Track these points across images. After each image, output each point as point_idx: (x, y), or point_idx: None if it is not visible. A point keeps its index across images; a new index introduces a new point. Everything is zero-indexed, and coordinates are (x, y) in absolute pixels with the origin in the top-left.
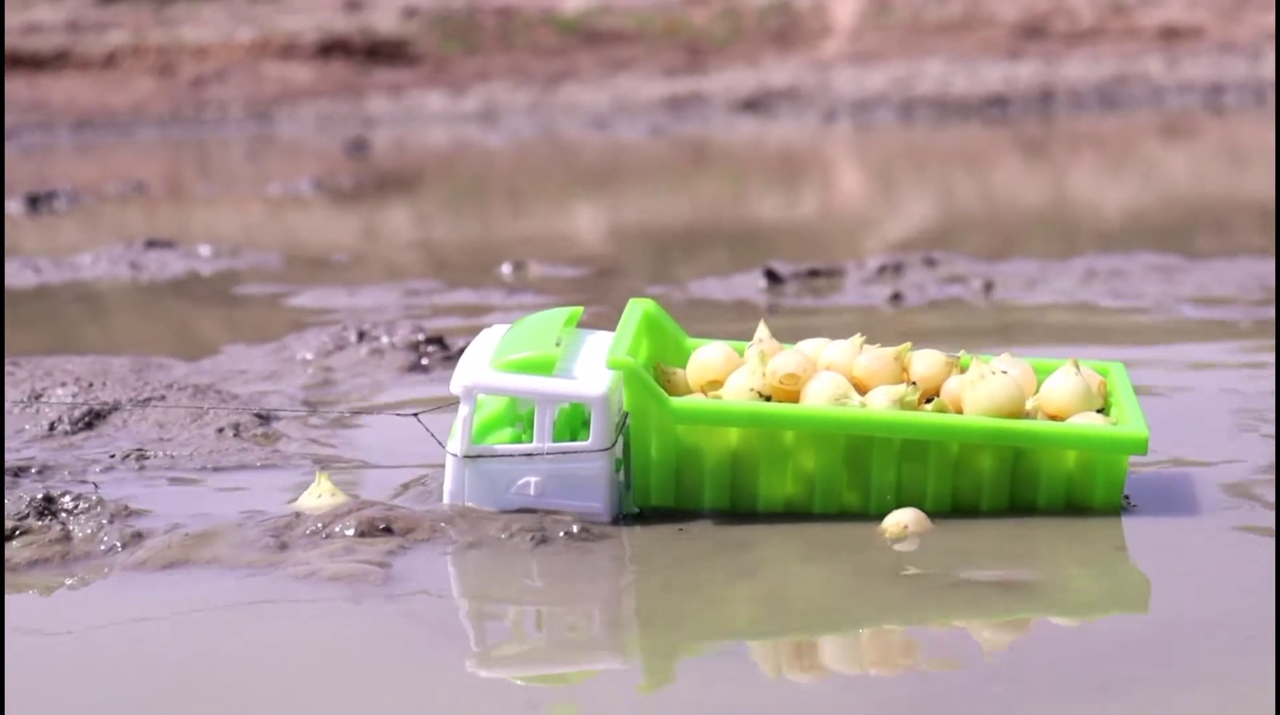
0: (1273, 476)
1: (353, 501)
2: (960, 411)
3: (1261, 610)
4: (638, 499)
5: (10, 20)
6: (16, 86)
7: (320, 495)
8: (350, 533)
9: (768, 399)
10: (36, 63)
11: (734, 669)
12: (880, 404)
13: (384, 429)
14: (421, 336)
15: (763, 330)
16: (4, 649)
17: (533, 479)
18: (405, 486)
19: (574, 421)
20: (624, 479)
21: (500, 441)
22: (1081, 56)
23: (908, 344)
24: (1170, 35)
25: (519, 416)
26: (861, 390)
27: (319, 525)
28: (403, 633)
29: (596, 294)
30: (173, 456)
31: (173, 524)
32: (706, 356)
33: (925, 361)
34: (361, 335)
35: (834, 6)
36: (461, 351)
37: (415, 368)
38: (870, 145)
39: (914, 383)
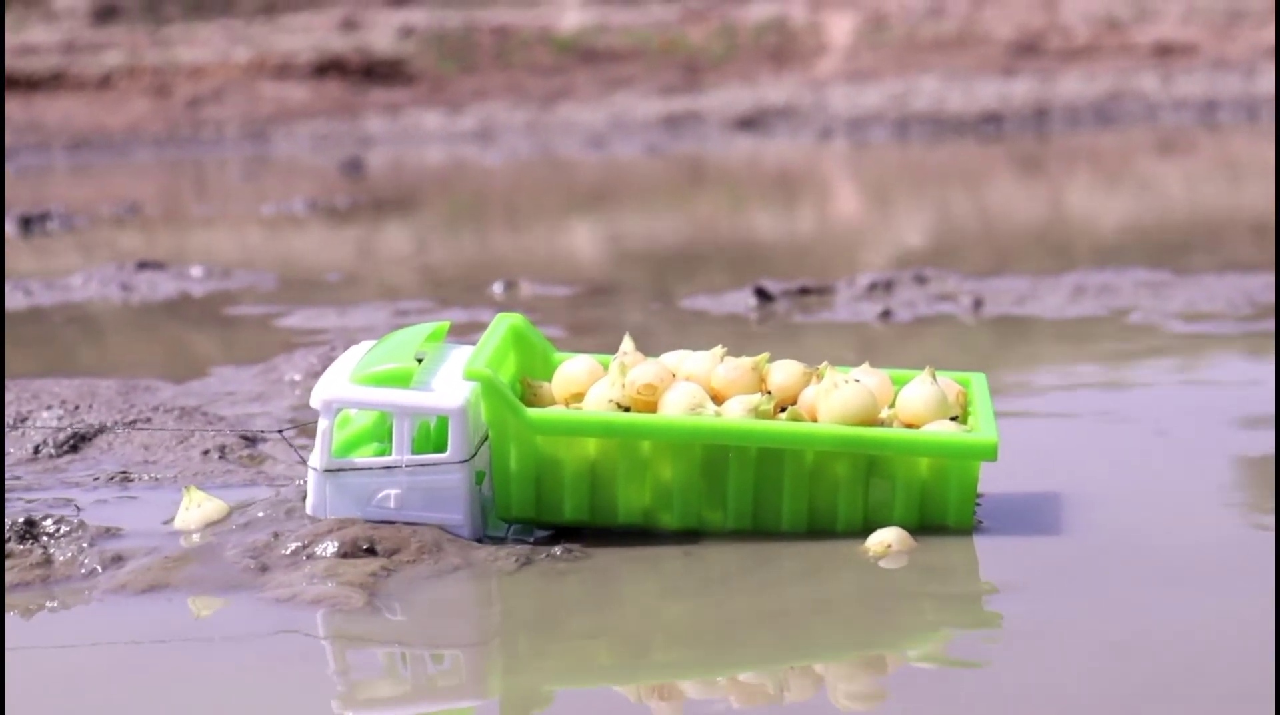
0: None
1: (333, 521)
2: (815, 420)
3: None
4: (499, 511)
5: (5, 41)
6: (12, 107)
7: (190, 507)
8: (331, 553)
9: (626, 410)
10: (32, 84)
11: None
12: (735, 413)
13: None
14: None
15: (627, 343)
16: (4, 663)
17: (393, 491)
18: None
19: (440, 437)
20: (488, 491)
21: (366, 455)
22: (1076, 73)
23: (766, 354)
24: (1165, 52)
25: (387, 431)
26: (719, 400)
27: (300, 545)
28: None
29: (587, 312)
30: (157, 479)
31: (152, 546)
32: (570, 369)
33: (783, 372)
34: None
35: (830, 24)
36: None
37: None
38: (865, 163)
39: (769, 392)
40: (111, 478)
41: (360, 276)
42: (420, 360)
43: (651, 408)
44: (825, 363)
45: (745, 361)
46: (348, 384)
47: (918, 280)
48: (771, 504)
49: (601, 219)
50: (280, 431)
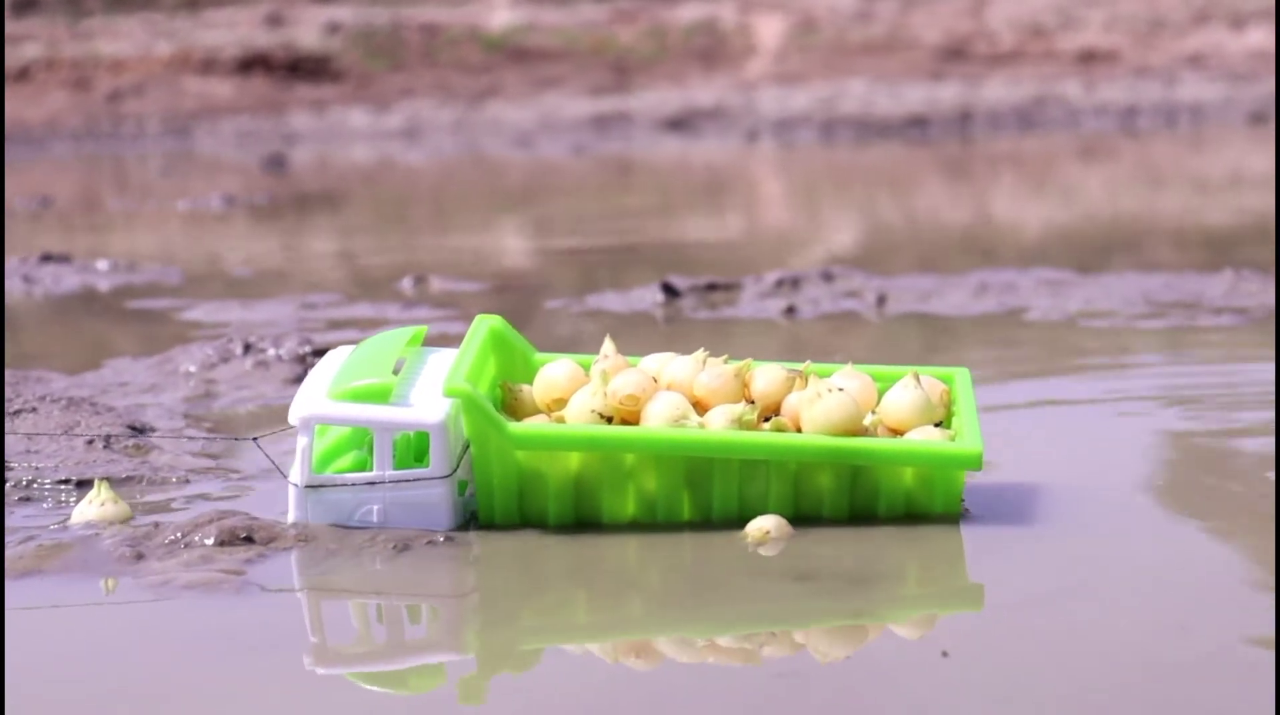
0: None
1: (213, 511)
2: (799, 429)
3: None
4: (482, 518)
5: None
6: None
7: (93, 502)
8: (210, 542)
9: (609, 420)
10: None
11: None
12: (718, 424)
13: (258, 443)
14: (308, 348)
15: (608, 346)
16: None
17: (375, 506)
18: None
19: (420, 444)
20: (471, 500)
21: (345, 466)
22: (1002, 79)
23: (749, 361)
24: (1088, 59)
25: (364, 440)
26: (702, 409)
27: (178, 535)
28: (254, 632)
29: (492, 307)
30: (37, 468)
31: (28, 536)
32: (552, 374)
33: (765, 378)
34: (247, 347)
35: (759, 27)
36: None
37: (300, 380)
38: (792, 164)
39: (752, 401)
40: None
41: (271, 272)
42: (397, 371)
43: (634, 418)
44: (808, 363)
45: (728, 369)
46: (326, 400)
47: (825, 278)
48: (756, 510)
49: (524, 218)
50: (254, 438)
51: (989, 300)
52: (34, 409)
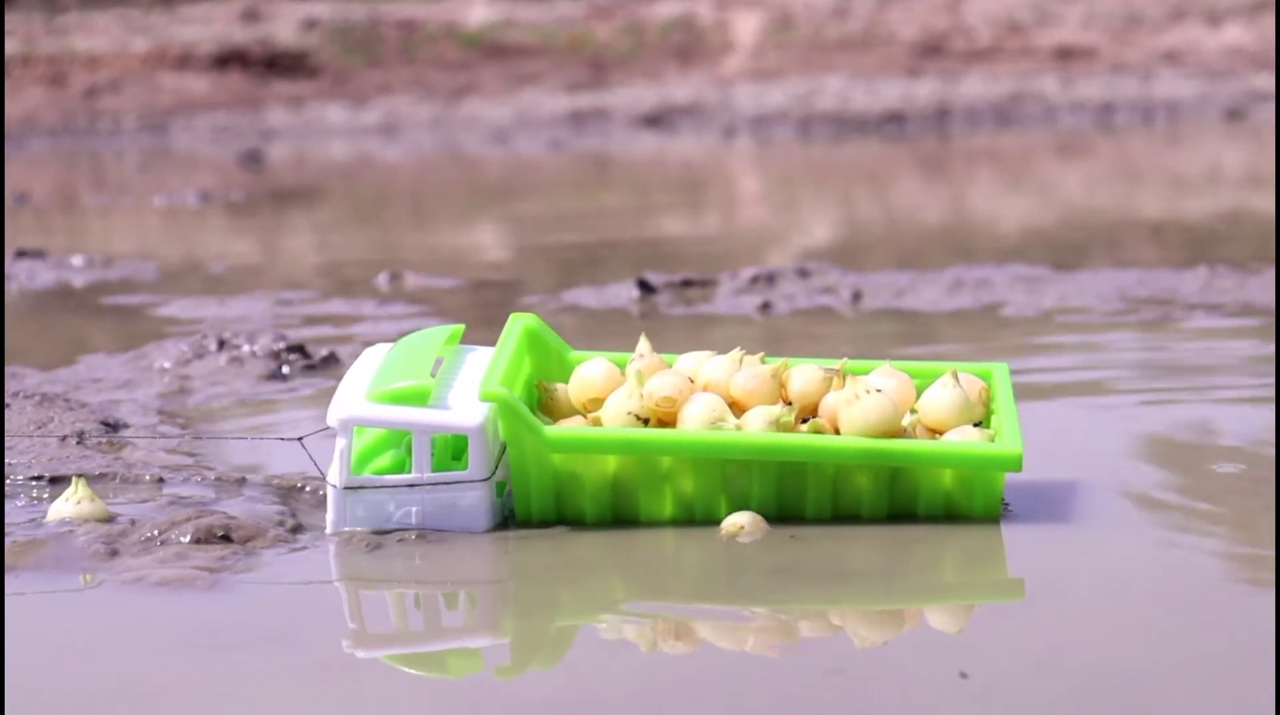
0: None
1: (192, 509)
2: (837, 430)
3: None
4: (520, 516)
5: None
6: None
7: (69, 499)
8: (185, 540)
9: (645, 422)
10: None
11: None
12: (756, 426)
13: (236, 441)
14: (283, 345)
15: (643, 345)
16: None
17: (414, 507)
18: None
19: (458, 443)
20: (509, 500)
21: (382, 466)
22: (979, 75)
23: (786, 360)
24: (1065, 55)
25: (402, 439)
26: (739, 409)
27: (154, 532)
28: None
29: (468, 304)
30: (10, 464)
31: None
32: (588, 373)
33: (802, 378)
34: (222, 343)
35: (736, 23)
36: (325, 360)
37: (275, 376)
38: (768, 161)
39: (790, 403)
40: None
41: (246, 267)
42: (434, 372)
43: (671, 419)
44: (845, 361)
45: (764, 369)
46: (365, 402)
47: (800, 274)
48: (794, 510)
49: (501, 214)
50: (299, 438)
51: (964, 296)
52: (7, 405)
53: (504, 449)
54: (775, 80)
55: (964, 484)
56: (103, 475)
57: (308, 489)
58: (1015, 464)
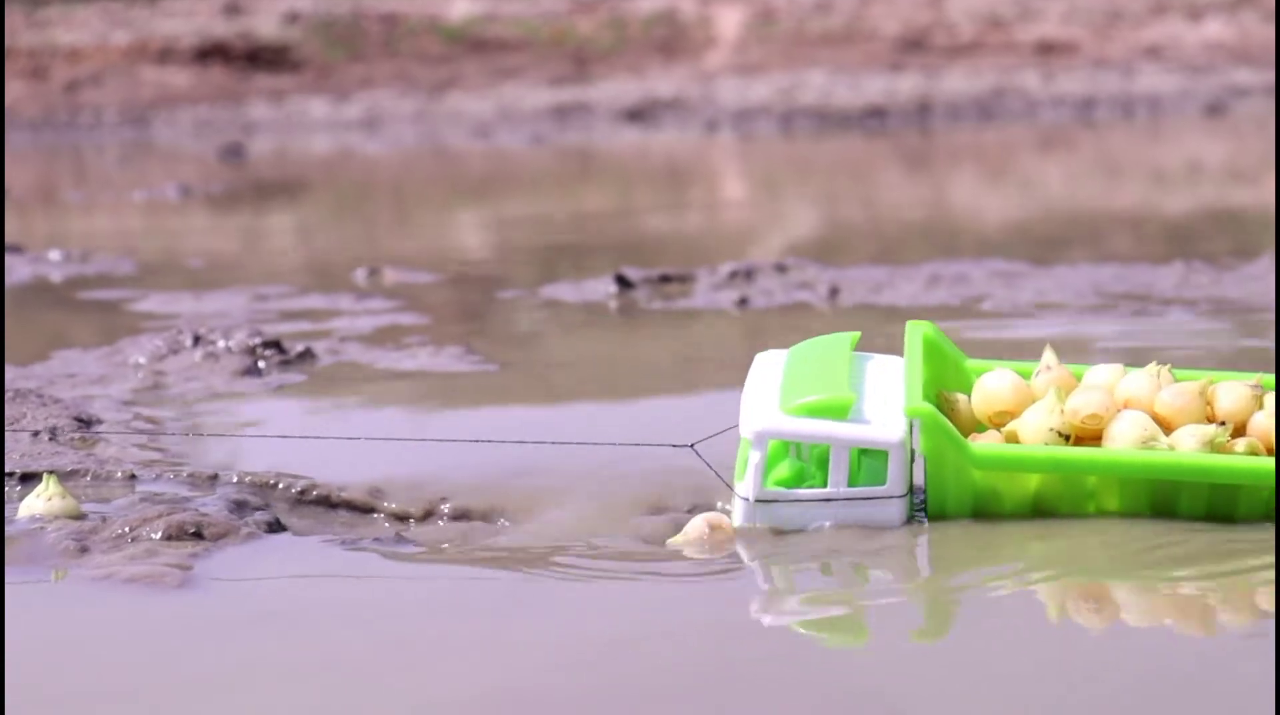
0: None
1: (164, 506)
2: (1271, 451)
3: None
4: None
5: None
6: None
7: (40, 496)
8: (157, 536)
9: (1067, 438)
10: None
11: None
12: (1188, 446)
13: (208, 437)
14: (259, 340)
15: (1049, 357)
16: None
17: (826, 522)
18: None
19: (856, 455)
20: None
21: (781, 476)
22: (961, 70)
23: (1210, 376)
24: (1047, 50)
25: (798, 449)
26: (1165, 427)
27: (125, 529)
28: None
29: (447, 299)
30: None
31: None
32: (994, 386)
33: (1230, 396)
34: (197, 339)
35: (719, 17)
36: (300, 355)
37: (251, 371)
38: (751, 155)
39: (1223, 422)
40: None
41: (224, 262)
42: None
43: (1095, 437)
44: (1260, 376)
45: (1191, 386)
46: (781, 415)
47: (778, 269)
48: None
49: (483, 209)
50: (692, 445)
51: (941, 292)
52: None
53: (912, 460)
54: (758, 75)
55: None
56: (75, 471)
57: (281, 486)
58: None
